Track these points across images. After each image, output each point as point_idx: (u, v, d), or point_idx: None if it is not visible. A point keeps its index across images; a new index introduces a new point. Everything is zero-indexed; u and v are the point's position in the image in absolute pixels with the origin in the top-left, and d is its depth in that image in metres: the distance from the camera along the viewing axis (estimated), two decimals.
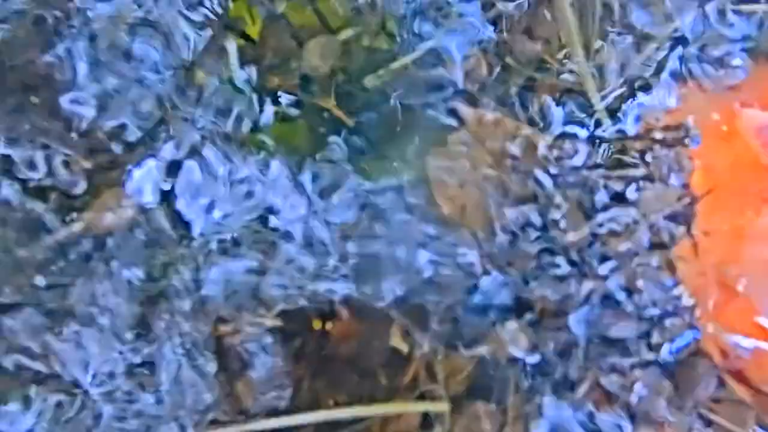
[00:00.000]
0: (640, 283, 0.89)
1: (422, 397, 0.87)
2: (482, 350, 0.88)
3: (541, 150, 0.91)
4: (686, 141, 0.92)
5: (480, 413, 0.86)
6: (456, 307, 0.89)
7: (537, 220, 0.90)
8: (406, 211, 0.91)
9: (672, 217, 0.92)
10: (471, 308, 0.90)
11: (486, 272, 0.90)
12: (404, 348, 0.88)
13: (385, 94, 0.94)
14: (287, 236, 0.89)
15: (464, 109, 0.92)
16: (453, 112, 0.93)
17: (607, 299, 0.90)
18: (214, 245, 0.89)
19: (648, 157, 0.92)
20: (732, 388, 0.88)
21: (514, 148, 0.91)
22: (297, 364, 0.88)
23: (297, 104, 0.95)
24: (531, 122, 0.93)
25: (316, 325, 0.89)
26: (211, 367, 0.86)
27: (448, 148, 0.92)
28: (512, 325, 0.88)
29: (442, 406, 0.85)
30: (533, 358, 0.87)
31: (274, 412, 0.85)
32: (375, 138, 0.94)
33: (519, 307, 0.90)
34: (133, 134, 0.91)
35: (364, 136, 0.94)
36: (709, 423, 0.87)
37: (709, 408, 0.87)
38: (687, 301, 0.90)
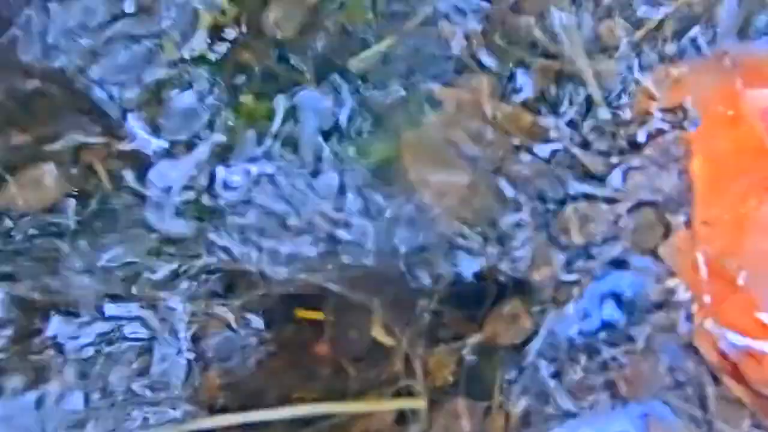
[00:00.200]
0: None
1: (400, 393, 0.83)
2: (472, 340, 0.84)
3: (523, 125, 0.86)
4: (685, 124, 0.86)
5: (459, 410, 0.81)
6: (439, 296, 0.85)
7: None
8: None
9: (668, 205, 0.86)
10: (455, 297, 0.85)
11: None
12: (385, 339, 0.84)
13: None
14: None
15: (442, 91, 0.88)
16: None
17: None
18: None
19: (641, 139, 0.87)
20: (727, 387, 0.83)
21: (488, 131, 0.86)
22: (274, 355, 0.84)
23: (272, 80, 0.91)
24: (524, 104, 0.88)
25: (301, 314, 0.85)
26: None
27: (425, 130, 0.87)
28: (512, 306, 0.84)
29: (419, 403, 0.81)
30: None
31: (245, 407, 0.82)
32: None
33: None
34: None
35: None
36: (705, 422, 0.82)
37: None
38: (683, 295, 0.85)
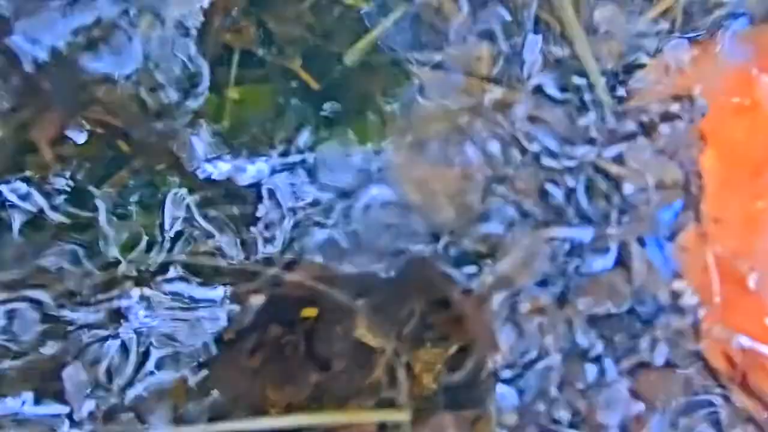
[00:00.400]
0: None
1: (382, 403, 0.76)
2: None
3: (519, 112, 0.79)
4: (692, 113, 0.80)
5: (444, 424, 0.75)
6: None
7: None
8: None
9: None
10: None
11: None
12: (371, 341, 0.78)
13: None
14: None
15: (427, 74, 0.81)
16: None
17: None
18: None
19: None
20: (737, 400, 0.77)
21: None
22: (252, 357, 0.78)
23: (259, 65, 0.84)
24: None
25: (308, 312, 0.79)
26: None
27: (410, 123, 0.80)
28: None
29: (402, 416, 0.75)
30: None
31: (215, 417, 0.76)
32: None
33: None
34: None
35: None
36: None
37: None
38: (690, 298, 0.78)
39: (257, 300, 0.77)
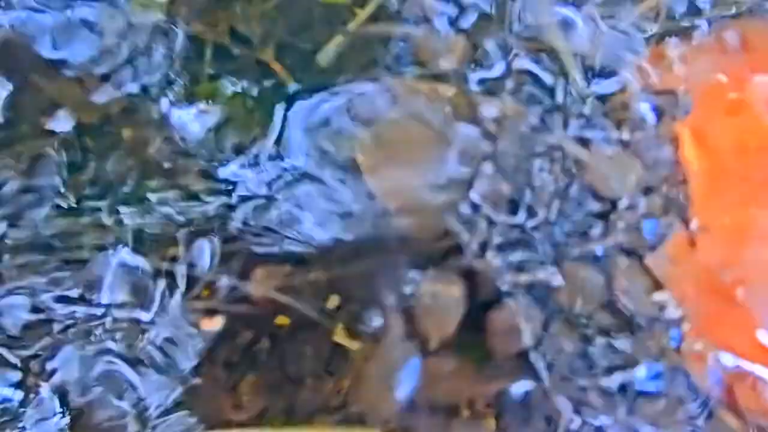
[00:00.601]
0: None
1: (348, 419, 0.74)
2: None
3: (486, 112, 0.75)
4: (675, 111, 0.75)
5: None
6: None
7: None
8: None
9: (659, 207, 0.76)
10: None
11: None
12: (349, 343, 0.75)
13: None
14: None
15: (391, 81, 0.77)
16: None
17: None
18: None
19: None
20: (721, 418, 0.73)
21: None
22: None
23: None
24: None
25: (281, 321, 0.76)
26: None
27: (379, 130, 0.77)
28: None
29: None
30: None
31: None
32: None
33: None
34: None
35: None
36: None
37: None
38: (673, 311, 0.74)
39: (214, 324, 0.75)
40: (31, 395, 0.73)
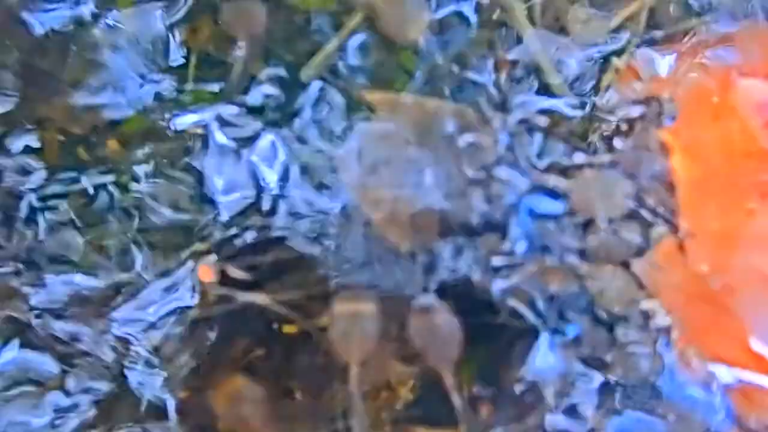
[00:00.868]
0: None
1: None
2: None
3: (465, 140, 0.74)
4: (660, 118, 0.74)
5: None
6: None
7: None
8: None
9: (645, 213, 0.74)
10: None
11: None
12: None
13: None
14: None
15: (372, 95, 0.76)
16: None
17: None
18: None
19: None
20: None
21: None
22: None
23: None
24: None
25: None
26: None
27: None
28: None
29: None
30: None
31: None
32: None
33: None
34: None
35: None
36: None
37: None
38: (662, 319, 0.73)
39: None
40: None
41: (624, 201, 0.74)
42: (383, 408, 0.73)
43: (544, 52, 0.76)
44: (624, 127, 0.75)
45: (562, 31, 0.78)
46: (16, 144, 0.77)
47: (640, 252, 0.74)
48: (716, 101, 0.74)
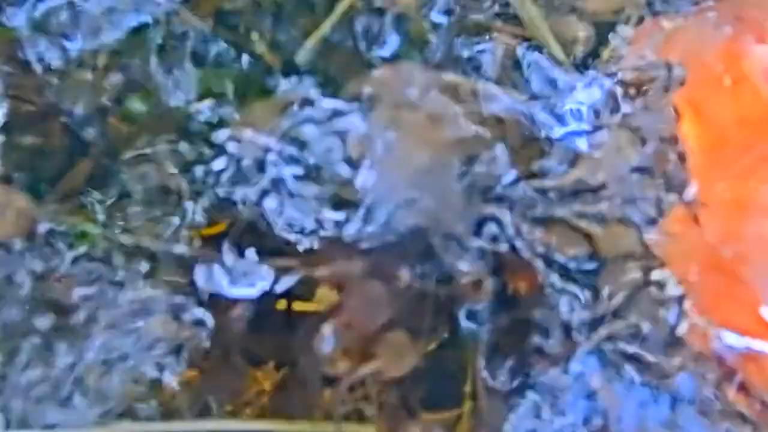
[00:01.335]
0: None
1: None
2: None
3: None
4: (669, 81, 0.73)
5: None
6: None
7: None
8: None
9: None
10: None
11: None
12: None
13: None
14: None
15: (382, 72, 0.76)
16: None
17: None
18: None
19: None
20: (726, 397, 0.71)
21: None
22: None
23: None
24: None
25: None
26: None
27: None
28: None
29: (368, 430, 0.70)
30: None
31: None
32: None
33: None
34: None
35: None
36: None
37: None
38: (673, 289, 0.73)
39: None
40: None
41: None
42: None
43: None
44: (632, 91, 0.74)
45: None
46: None
47: (651, 221, 0.73)
48: (726, 71, 0.73)
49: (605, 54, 0.77)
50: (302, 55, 0.78)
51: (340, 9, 0.79)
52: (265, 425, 0.71)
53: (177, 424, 0.70)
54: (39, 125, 0.77)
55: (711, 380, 0.71)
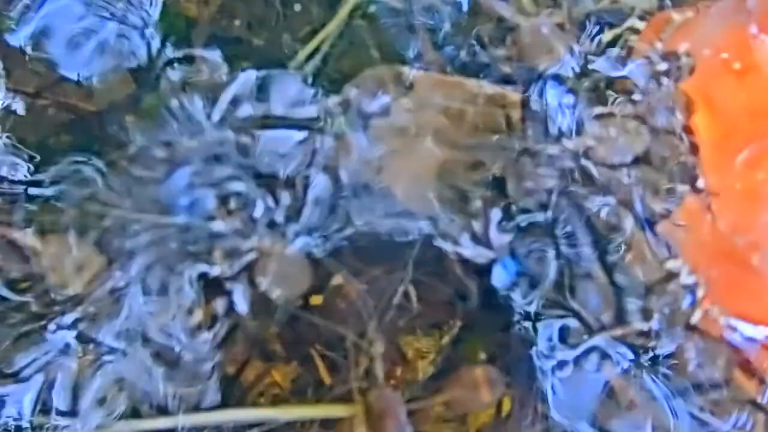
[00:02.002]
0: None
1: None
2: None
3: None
4: (678, 71, 0.74)
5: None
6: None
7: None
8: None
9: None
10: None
11: None
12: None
13: None
14: None
15: (412, 72, 0.76)
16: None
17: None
18: None
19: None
20: (739, 385, 0.72)
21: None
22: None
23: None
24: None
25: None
26: None
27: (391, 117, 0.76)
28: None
29: (352, 410, 0.70)
30: None
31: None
32: None
33: None
34: None
35: None
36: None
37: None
38: (687, 278, 0.73)
39: None
40: None
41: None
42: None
43: None
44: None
45: None
46: None
47: (665, 212, 0.74)
48: (736, 60, 0.74)
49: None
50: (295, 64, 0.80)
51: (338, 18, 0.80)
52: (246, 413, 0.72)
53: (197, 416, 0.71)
54: None
55: (721, 366, 0.71)
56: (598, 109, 0.76)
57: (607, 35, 0.78)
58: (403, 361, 0.74)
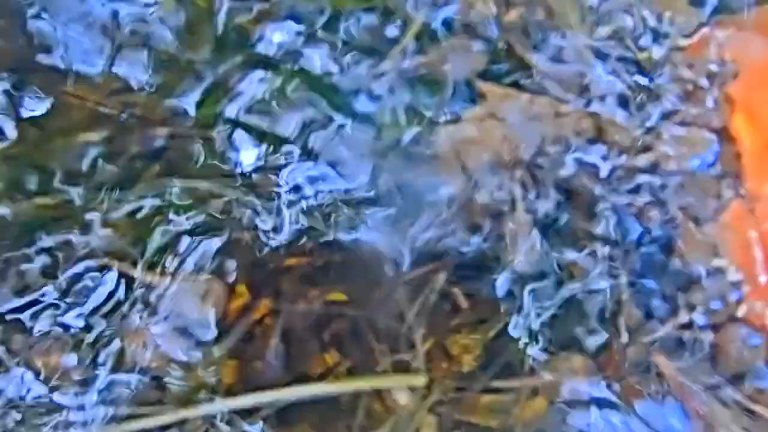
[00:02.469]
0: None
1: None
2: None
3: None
4: (722, 77, 0.79)
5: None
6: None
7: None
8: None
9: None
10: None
11: None
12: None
13: None
14: None
15: (485, 85, 0.82)
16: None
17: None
18: None
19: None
20: None
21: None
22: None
23: None
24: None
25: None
26: None
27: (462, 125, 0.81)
28: None
29: (419, 380, 0.73)
30: None
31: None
32: None
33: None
34: None
35: None
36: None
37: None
38: (733, 275, 0.76)
39: None
40: None
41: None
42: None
43: None
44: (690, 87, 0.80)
45: None
46: None
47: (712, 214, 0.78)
48: None
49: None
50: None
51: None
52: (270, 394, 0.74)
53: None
54: None
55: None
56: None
57: (655, 52, 0.83)
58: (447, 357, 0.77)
